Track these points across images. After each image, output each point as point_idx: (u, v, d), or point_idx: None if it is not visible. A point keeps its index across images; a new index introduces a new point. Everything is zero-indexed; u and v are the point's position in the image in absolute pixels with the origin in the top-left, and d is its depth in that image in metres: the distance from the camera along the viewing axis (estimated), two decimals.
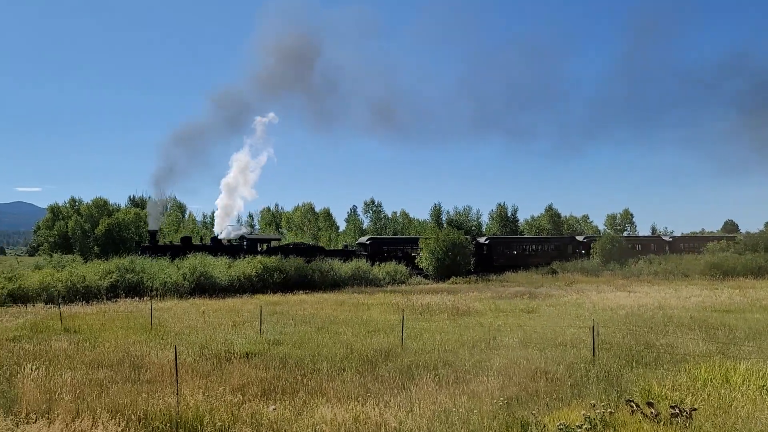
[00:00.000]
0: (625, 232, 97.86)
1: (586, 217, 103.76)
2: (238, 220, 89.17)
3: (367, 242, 54.58)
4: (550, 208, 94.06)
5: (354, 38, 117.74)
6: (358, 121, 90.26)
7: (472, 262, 51.32)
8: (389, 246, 55.16)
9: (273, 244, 49.93)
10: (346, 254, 49.94)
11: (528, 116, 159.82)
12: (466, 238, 52.78)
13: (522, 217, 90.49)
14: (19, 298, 28.92)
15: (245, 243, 48.11)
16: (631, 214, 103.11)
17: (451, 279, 46.96)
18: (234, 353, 14.81)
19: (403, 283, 44.40)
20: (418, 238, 55.66)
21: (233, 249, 46.81)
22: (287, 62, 64.96)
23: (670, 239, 71.48)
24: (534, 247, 62.34)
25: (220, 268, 36.70)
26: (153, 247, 45.63)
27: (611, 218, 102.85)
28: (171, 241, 50.76)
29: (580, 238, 66.82)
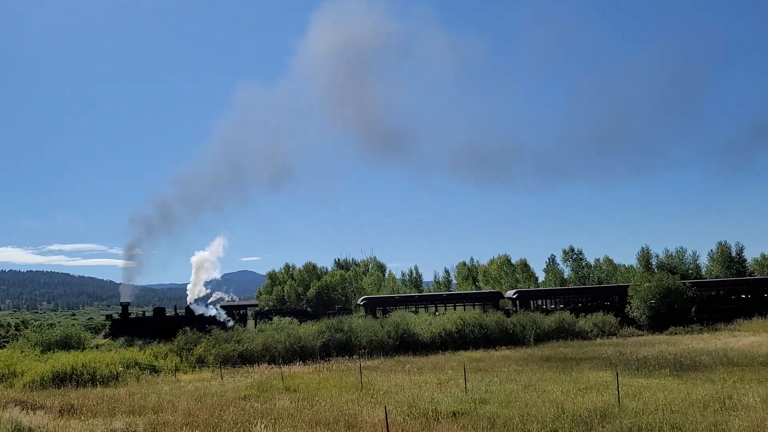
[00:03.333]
0: None
1: None
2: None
3: (362, 302, 52.21)
4: None
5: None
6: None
7: (692, 310, 46.09)
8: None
9: (250, 310, 48.26)
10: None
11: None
12: (683, 283, 47.76)
13: (750, 255, 79.69)
14: (246, 358, 32.06)
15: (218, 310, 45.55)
16: None
17: (669, 329, 42.52)
18: (441, 412, 14.73)
19: (614, 335, 41.15)
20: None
21: (205, 320, 42.41)
22: None
23: None
24: None
25: (420, 324, 37.36)
26: (121, 322, 43.01)
27: None
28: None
29: None
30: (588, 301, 50.52)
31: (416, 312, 46.17)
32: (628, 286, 50.93)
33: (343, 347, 34.80)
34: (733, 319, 46.26)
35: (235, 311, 47.57)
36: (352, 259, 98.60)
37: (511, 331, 38.20)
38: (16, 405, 19.19)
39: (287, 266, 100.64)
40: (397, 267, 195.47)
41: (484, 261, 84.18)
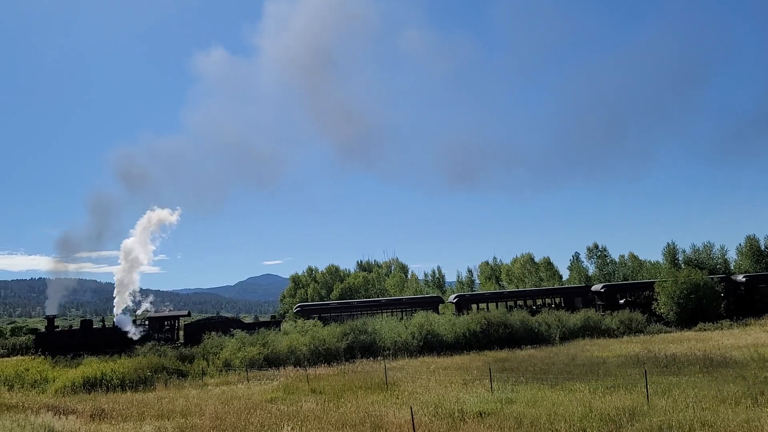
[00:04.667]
0: None
1: None
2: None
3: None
4: None
5: None
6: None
7: (722, 305, 45.28)
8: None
9: (182, 321, 44.61)
10: (268, 327, 42.43)
11: None
12: (712, 278, 46.96)
13: None
14: (272, 361, 32.27)
15: (146, 323, 42.21)
16: None
17: (698, 325, 41.82)
18: (467, 413, 14.67)
19: (641, 332, 40.57)
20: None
21: (123, 337, 40.12)
22: None
23: None
24: None
25: (444, 325, 37.27)
26: (45, 336, 40.31)
27: None
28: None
29: None
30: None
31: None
32: (653, 282, 50.23)
33: (368, 349, 34.86)
34: (763, 314, 45.40)
35: (166, 322, 43.32)
36: (374, 261, 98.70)
37: (536, 330, 37.93)
38: (48, 410, 19.57)
39: (310, 269, 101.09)
40: (419, 268, 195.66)
41: (507, 260, 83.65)
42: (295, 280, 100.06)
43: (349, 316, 45.14)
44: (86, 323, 42.88)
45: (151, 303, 45.60)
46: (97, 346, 36.80)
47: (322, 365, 31.27)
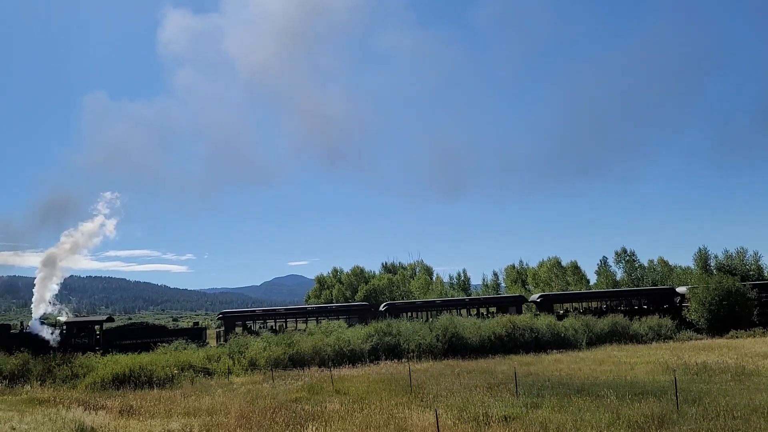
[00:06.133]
0: None
1: None
2: None
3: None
4: None
5: None
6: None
7: (755, 312, 44.26)
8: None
9: (105, 326, 42.87)
10: (192, 334, 42.15)
11: None
12: (744, 285, 45.94)
13: None
14: (297, 361, 32.45)
15: (63, 328, 41.10)
16: None
17: (730, 332, 40.93)
18: (492, 417, 14.57)
19: (670, 338, 39.85)
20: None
21: (36, 341, 38.60)
22: None
23: None
24: None
25: (470, 328, 37.07)
26: None
27: None
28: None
29: None
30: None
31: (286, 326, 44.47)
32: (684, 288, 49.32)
33: (392, 350, 34.83)
34: None
35: (84, 328, 42.10)
36: (399, 263, 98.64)
37: (562, 335, 37.50)
38: (79, 405, 19.97)
39: (335, 270, 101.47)
40: (444, 270, 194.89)
41: (534, 263, 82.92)
42: (321, 281, 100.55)
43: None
44: (3, 327, 42.43)
45: (66, 311, 45.00)
46: (9, 350, 35.24)
47: (347, 366, 31.34)
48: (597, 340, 38.02)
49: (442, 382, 22.11)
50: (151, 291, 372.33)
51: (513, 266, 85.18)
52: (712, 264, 72.11)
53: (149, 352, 34.40)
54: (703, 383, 18.91)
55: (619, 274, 76.26)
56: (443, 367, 28.40)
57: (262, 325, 45.77)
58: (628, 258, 76.01)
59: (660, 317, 42.11)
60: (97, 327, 42.67)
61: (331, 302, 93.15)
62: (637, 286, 69.25)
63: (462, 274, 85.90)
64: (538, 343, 36.10)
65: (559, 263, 78.72)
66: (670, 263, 75.34)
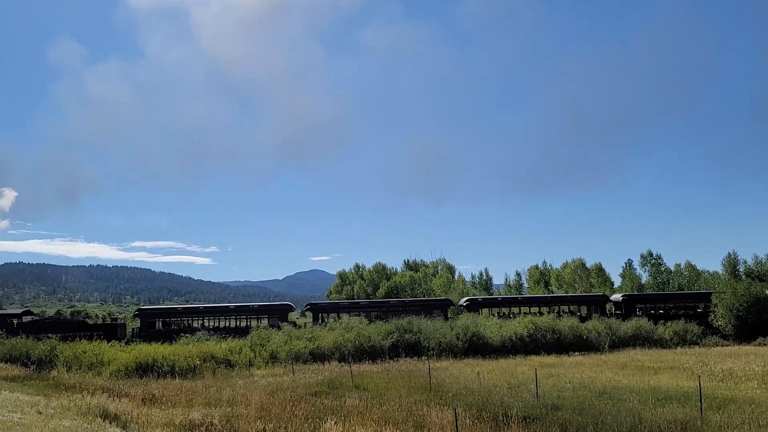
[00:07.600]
0: None
1: None
2: None
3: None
4: None
5: None
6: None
7: None
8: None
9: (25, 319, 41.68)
10: (109, 330, 41.15)
11: None
12: None
13: None
14: (318, 356, 32.64)
15: None
16: None
17: (758, 339, 40.12)
18: (511, 417, 14.48)
19: (696, 344, 39.18)
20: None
21: None
22: None
23: None
24: None
25: (491, 328, 36.89)
26: None
27: None
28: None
29: None
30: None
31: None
32: (710, 293, 48.41)
33: (412, 348, 34.82)
34: None
35: None
36: (421, 261, 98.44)
37: (585, 337, 37.10)
38: (103, 392, 20.34)
39: (357, 266, 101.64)
40: (467, 269, 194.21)
41: (557, 264, 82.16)
42: (342, 277, 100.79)
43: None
44: None
45: None
46: None
47: (366, 362, 31.40)
48: (620, 343, 37.58)
49: (462, 381, 22.05)
50: (175, 282, 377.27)
51: (536, 267, 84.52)
52: (741, 269, 70.69)
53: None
54: (728, 390, 18.57)
55: (644, 277, 75.18)
56: (463, 366, 28.33)
57: (187, 323, 45.64)
58: (653, 261, 74.85)
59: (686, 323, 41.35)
60: (15, 320, 42.61)
61: (353, 298, 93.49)
62: (663, 290, 68.26)
63: (484, 273, 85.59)
64: (560, 345, 35.80)
65: (583, 265, 77.85)
66: (697, 268, 74.04)
